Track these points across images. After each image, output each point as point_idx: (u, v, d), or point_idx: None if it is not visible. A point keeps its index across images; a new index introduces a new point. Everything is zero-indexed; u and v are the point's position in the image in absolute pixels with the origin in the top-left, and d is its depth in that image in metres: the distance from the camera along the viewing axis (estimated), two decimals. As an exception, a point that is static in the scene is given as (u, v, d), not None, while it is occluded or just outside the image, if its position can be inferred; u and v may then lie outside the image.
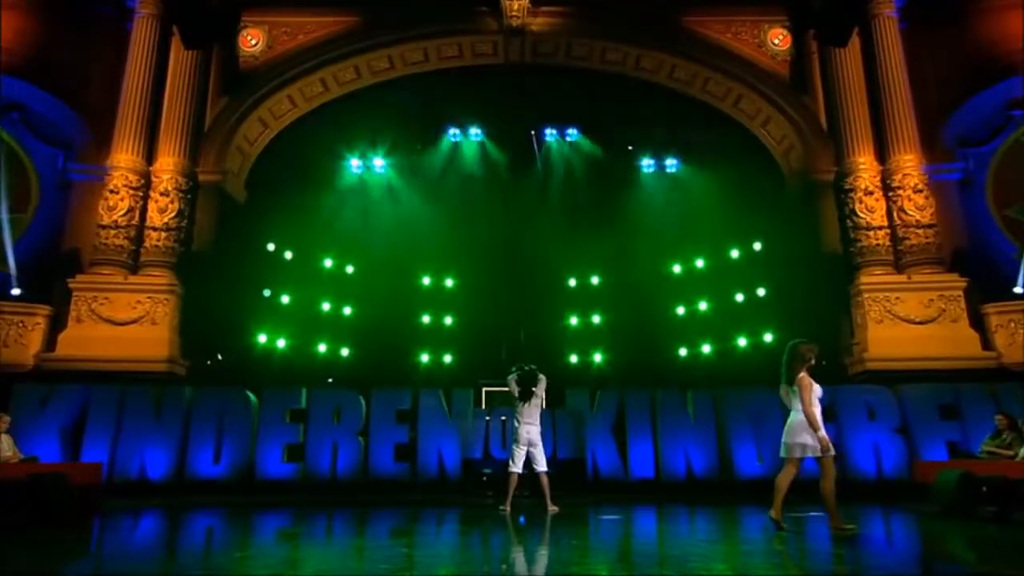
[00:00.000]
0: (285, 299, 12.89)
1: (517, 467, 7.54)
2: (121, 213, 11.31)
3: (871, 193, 11.78)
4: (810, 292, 12.01)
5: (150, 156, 11.82)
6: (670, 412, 10.26)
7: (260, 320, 12.46)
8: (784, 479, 5.53)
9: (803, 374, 5.54)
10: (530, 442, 7.54)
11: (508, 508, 7.32)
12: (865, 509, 7.74)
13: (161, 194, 11.58)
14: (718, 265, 13.22)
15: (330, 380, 11.92)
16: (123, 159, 11.51)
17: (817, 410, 5.49)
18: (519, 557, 4.81)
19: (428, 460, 10.15)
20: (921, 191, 11.62)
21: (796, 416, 5.49)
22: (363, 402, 10.46)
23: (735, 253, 13.19)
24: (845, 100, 12.20)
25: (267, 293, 12.71)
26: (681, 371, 12.52)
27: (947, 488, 7.31)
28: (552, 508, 7.49)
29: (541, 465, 7.60)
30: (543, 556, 4.88)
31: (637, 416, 10.30)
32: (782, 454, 5.57)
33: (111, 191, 11.39)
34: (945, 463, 8.54)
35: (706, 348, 12.79)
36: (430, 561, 4.73)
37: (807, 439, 5.36)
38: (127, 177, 11.46)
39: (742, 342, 12.64)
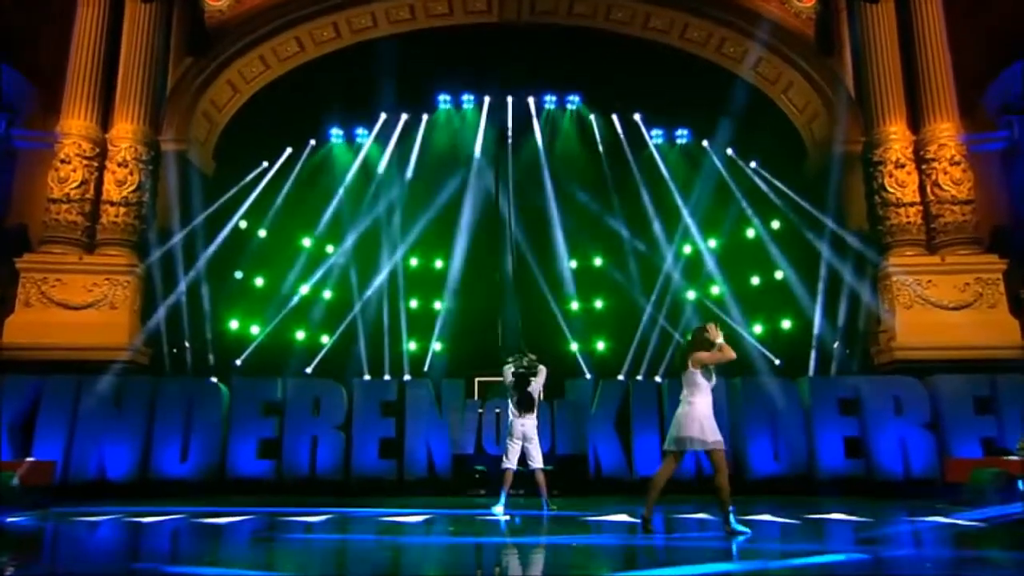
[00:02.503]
0: (259, 281, 12.74)
1: (511, 463, 7.50)
2: (74, 185, 11.05)
3: (903, 166, 11.60)
4: (833, 275, 11.92)
5: (105, 122, 11.52)
6: (678, 405, 10.16)
7: (231, 304, 12.33)
8: (663, 476, 5.50)
9: (697, 354, 5.47)
10: (525, 436, 7.49)
11: (502, 507, 7.26)
12: (891, 509, 7.70)
13: (119, 165, 11.32)
14: (732, 245, 13.08)
15: (308, 370, 11.83)
16: (75, 125, 11.22)
17: (708, 399, 5.42)
18: (513, 560, 4.74)
19: (416, 456, 10.10)
20: (958, 163, 11.44)
21: (685, 408, 5.45)
22: (345, 393, 10.38)
23: (751, 232, 13.05)
24: (876, 63, 11.93)
25: (239, 275, 12.56)
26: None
27: (981, 488, 7.26)
28: (550, 507, 7.43)
29: (536, 461, 7.55)
30: (539, 559, 4.80)
31: (642, 409, 10.26)
32: (667, 447, 5.52)
33: (62, 161, 11.11)
34: (979, 461, 8.54)
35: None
36: (418, 564, 4.67)
37: (694, 432, 5.31)
38: (80, 145, 11.17)
39: (758, 329, 12.56)
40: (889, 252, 11.45)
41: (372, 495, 9.53)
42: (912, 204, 11.49)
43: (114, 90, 11.58)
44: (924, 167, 11.60)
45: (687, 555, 4.91)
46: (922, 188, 11.57)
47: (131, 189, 11.32)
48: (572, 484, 9.64)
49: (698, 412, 5.43)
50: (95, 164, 11.29)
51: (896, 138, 11.72)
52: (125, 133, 11.46)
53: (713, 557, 4.72)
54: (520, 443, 7.49)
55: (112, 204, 11.21)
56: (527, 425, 7.51)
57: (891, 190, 11.60)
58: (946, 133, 11.53)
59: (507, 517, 7.04)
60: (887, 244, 11.52)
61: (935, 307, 10.96)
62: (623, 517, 6.94)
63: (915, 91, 11.82)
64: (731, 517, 5.27)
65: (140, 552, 5.27)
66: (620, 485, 9.93)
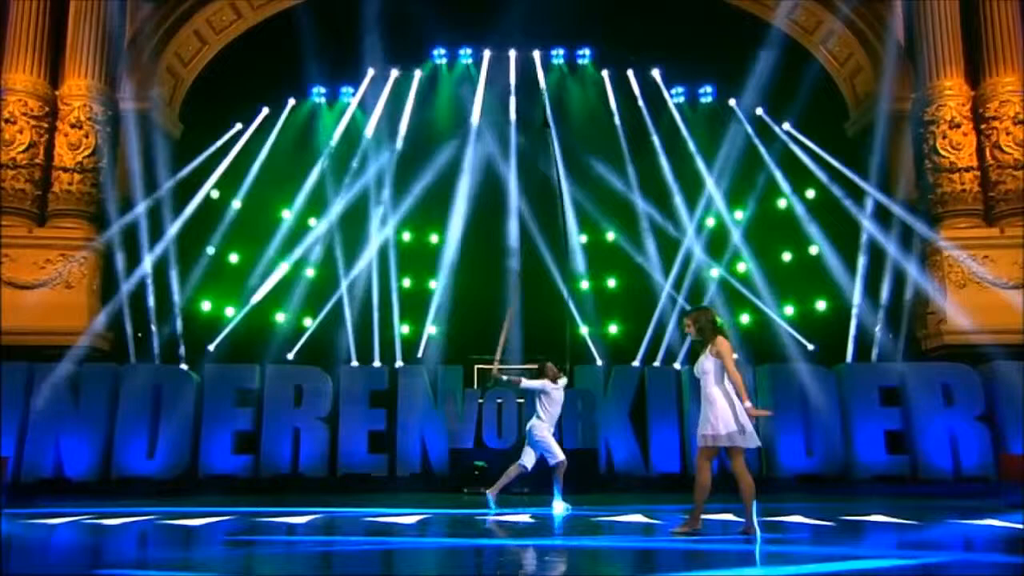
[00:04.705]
0: (233, 258, 12.69)
1: (521, 460, 7.52)
2: (20, 149, 10.92)
3: (958, 126, 11.38)
4: (876, 250, 11.80)
5: (55, 78, 11.36)
6: (700, 394, 10.13)
7: (203, 284, 12.28)
8: (706, 476, 5.39)
9: (721, 338, 5.32)
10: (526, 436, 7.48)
11: (493, 493, 7.29)
12: (938, 510, 7.65)
13: (71, 126, 11.18)
14: (762, 217, 12.95)
15: (290, 356, 11.83)
16: (19, 80, 11.04)
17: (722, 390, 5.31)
18: (515, 565, 4.69)
19: (409, 450, 10.13)
20: (1023, 122, 11.21)
21: (725, 396, 5.31)
22: (330, 382, 10.40)
23: (783, 203, 12.91)
24: (931, 6, 11.62)
25: (211, 251, 12.49)
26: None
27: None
28: (562, 505, 7.44)
29: (552, 458, 7.53)
30: (543, 563, 4.76)
31: (660, 398, 10.25)
32: (725, 444, 5.39)
33: (7, 121, 10.96)
34: (1039, 456, 8.45)
35: (745, 318, 12.65)
36: (411, 568, 4.66)
37: (716, 430, 5.19)
38: (26, 103, 11.02)
39: (790, 310, 12.48)
40: (940, 224, 11.31)
41: (360, 493, 9.58)
42: (968, 169, 11.31)
43: (64, 40, 11.41)
44: (983, 127, 11.40)
45: (708, 559, 4.86)
46: (980, 151, 11.39)
47: (86, 153, 11.20)
48: (582, 480, 9.61)
49: (718, 404, 5.34)
50: (44, 125, 11.17)
51: (952, 94, 11.48)
52: (78, 90, 11.30)
53: (736, 561, 4.67)
54: (527, 444, 7.52)
55: (65, 170, 11.11)
56: (528, 425, 7.50)
57: (944, 153, 11.41)
58: (1010, 88, 11.30)
59: (494, 516, 7.04)
60: (938, 215, 11.38)
61: (992, 286, 10.87)
62: (638, 517, 6.91)
63: (975, 40, 11.56)
64: (754, 515, 5.21)
65: (103, 557, 5.26)
66: (635, 482, 9.96)
